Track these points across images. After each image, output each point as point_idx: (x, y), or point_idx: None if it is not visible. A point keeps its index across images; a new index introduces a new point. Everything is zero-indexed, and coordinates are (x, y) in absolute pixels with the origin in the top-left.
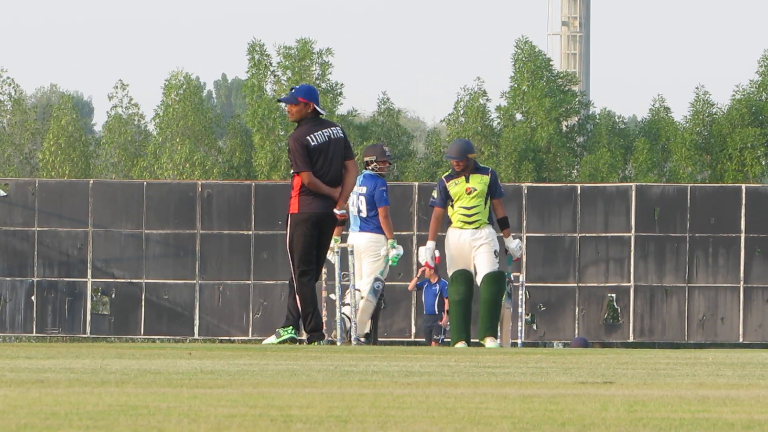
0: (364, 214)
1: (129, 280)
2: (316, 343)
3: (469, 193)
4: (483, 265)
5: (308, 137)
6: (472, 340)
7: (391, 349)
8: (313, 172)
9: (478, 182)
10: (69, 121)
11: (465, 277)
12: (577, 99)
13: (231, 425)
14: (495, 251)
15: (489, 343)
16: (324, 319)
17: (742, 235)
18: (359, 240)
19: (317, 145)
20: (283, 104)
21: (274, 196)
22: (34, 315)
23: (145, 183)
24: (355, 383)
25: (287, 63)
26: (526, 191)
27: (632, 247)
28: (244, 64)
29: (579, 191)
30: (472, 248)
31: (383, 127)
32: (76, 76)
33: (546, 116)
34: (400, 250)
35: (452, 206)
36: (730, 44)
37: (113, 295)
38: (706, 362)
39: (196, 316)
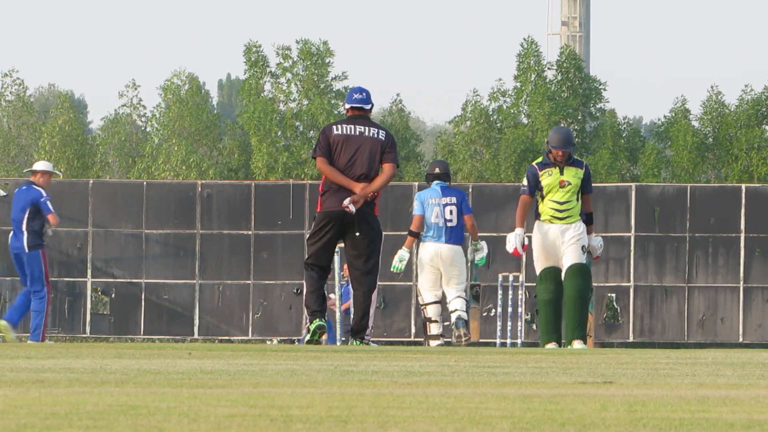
0: (454, 223)
1: (129, 280)
2: (317, 321)
3: (562, 186)
4: (569, 259)
5: (333, 126)
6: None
7: (391, 349)
8: (333, 161)
9: (573, 176)
10: (66, 120)
11: (554, 274)
12: (600, 105)
13: (231, 425)
14: (583, 247)
15: (576, 345)
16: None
17: (742, 235)
18: (447, 250)
19: (339, 135)
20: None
21: (274, 196)
22: None
23: (145, 183)
24: (355, 383)
25: (287, 64)
26: None
27: (632, 247)
28: (242, 65)
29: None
30: (561, 244)
31: (393, 127)
32: (74, 75)
33: (546, 121)
34: (486, 248)
35: (542, 198)
36: (738, 44)
37: (113, 295)
38: (706, 362)
39: (196, 316)
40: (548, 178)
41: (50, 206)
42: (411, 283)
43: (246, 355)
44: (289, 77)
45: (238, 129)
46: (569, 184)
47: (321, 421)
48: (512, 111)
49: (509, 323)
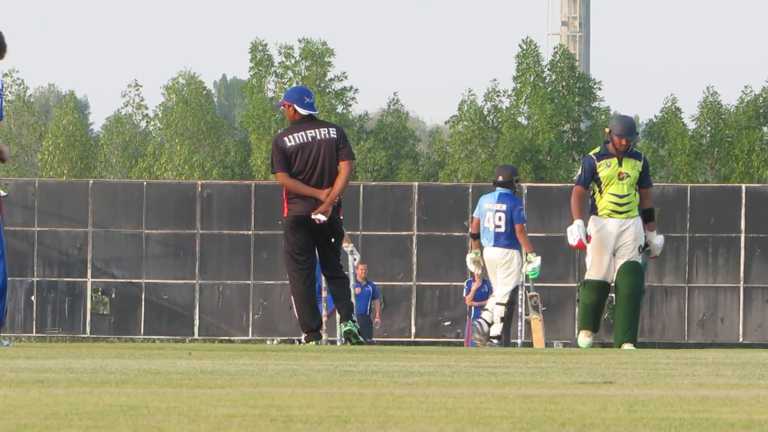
0: (502, 229)
1: (129, 280)
2: (313, 343)
3: (621, 179)
4: (623, 257)
5: (285, 138)
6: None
7: (391, 349)
8: (293, 173)
9: (632, 168)
10: (71, 121)
11: (596, 286)
12: (595, 104)
13: (231, 425)
14: (640, 247)
15: (626, 347)
16: (324, 319)
17: (742, 235)
18: (493, 254)
19: (294, 146)
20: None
21: (274, 196)
22: (34, 315)
23: (145, 183)
24: (355, 383)
25: (289, 63)
26: (526, 191)
27: None
28: (245, 63)
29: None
30: (617, 238)
31: (391, 127)
32: (75, 76)
33: (547, 123)
34: (538, 261)
35: (600, 192)
36: (737, 45)
37: (113, 295)
38: (706, 362)
39: (196, 316)
40: (606, 169)
41: None
42: (411, 284)
43: (246, 355)
44: (290, 76)
45: (237, 128)
46: (628, 176)
47: (321, 421)
48: (512, 111)
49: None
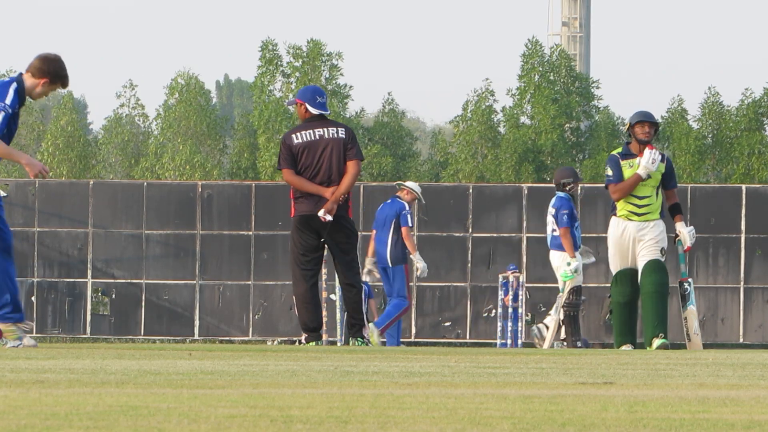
0: (556, 232)
1: (129, 281)
2: (313, 344)
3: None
4: (646, 257)
5: (293, 135)
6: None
7: (391, 349)
8: (298, 170)
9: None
10: (69, 122)
11: (629, 276)
12: (592, 102)
13: (231, 426)
14: (662, 249)
15: (656, 344)
16: (324, 319)
17: (743, 236)
18: (552, 258)
19: (301, 143)
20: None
21: (275, 197)
22: (35, 315)
23: (145, 183)
24: (355, 384)
25: (297, 63)
26: (526, 191)
27: None
28: (248, 64)
29: (579, 191)
30: (636, 242)
31: (387, 127)
32: (73, 75)
33: (551, 123)
34: (573, 266)
35: None
36: (737, 46)
37: (113, 296)
38: (706, 362)
39: (196, 317)
40: (629, 170)
41: (409, 220)
42: (411, 284)
43: (246, 355)
44: (298, 76)
45: (245, 129)
46: (649, 177)
47: (321, 422)
48: (515, 111)
49: (509, 324)
